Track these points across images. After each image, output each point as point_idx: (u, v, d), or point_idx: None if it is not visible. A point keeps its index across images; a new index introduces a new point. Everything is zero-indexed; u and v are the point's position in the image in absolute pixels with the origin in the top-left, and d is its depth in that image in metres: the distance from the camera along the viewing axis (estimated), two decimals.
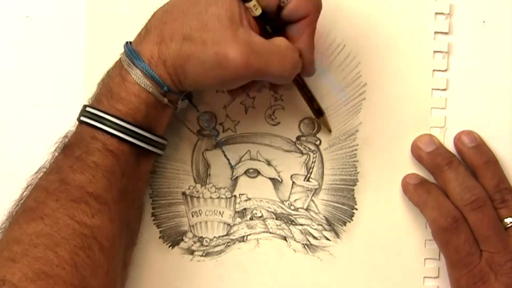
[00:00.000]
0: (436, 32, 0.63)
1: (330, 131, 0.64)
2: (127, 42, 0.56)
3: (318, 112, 0.62)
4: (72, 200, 0.53)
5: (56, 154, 0.56)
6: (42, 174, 0.55)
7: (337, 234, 0.64)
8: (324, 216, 0.64)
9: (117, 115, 0.54)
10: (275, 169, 0.64)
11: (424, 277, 0.63)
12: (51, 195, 0.53)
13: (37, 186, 0.54)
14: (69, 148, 0.55)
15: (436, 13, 0.63)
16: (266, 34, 0.55)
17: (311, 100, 0.61)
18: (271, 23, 0.56)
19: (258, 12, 0.54)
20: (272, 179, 0.64)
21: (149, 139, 0.56)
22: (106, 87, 0.55)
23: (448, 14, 0.63)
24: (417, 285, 0.63)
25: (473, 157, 0.61)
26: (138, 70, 0.54)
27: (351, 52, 0.63)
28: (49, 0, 0.64)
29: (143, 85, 0.54)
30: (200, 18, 0.53)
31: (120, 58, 0.56)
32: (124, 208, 0.56)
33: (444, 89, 0.63)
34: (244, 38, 0.52)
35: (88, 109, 0.55)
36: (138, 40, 0.55)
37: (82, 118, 0.55)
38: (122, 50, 0.55)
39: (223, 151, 0.63)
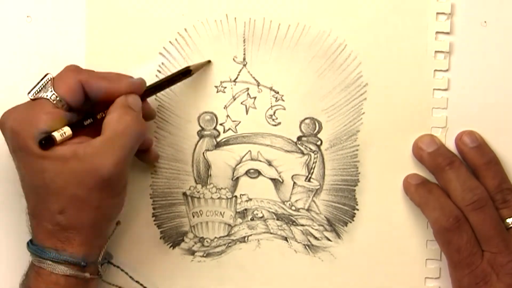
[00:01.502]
0: (437, 32, 0.62)
1: (209, 61, 0.63)
2: (28, 243, 0.57)
3: (186, 72, 0.62)
4: None
5: None
6: None
7: (338, 235, 0.64)
8: (325, 217, 0.64)
9: None
10: (276, 170, 0.64)
11: (426, 278, 0.63)
12: None
13: None
14: None
15: (438, 13, 0.62)
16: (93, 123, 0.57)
17: (172, 80, 0.61)
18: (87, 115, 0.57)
19: (69, 133, 0.55)
20: (273, 180, 0.64)
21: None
22: (26, 286, 0.56)
23: (450, 14, 0.62)
24: (419, 286, 0.63)
25: (475, 157, 0.61)
26: (48, 261, 0.55)
27: (352, 52, 0.63)
28: (49, 0, 0.64)
29: (60, 272, 0.55)
30: (49, 190, 0.54)
31: (31, 261, 0.57)
32: None
33: (446, 89, 0.63)
34: (89, 155, 0.54)
35: None
36: (35, 238, 0.57)
37: None
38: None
39: None
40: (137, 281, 0.63)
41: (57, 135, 0.54)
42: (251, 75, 0.64)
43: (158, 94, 0.62)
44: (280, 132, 0.64)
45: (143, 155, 0.61)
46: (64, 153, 0.54)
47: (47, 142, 0.54)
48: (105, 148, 0.54)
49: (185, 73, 0.62)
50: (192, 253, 0.64)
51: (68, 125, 0.55)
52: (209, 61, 0.63)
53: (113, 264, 0.62)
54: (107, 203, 0.56)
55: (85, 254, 0.56)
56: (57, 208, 0.55)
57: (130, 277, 0.62)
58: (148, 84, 0.60)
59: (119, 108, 0.56)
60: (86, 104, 0.57)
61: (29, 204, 0.57)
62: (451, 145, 0.62)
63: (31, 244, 0.57)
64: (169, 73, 0.62)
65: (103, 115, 0.56)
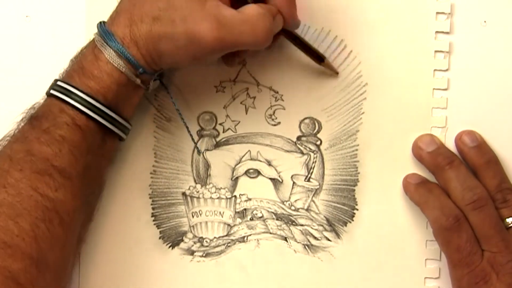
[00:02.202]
0: (437, 32, 0.62)
1: (337, 73, 0.63)
2: (100, 23, 0.56)
3: (319, 58, 0.62)
4: (36, 171, 0.53)
5: (22, 124, 0.56)
6: (6, 142, 0.55)
7: (337, 235, 0.64)
8: (324, 217, 0.64)
9: (87, 92, 0.54)
10: (276, 169, 0.64)
11: (425, 278, 0.63)
12: (15, 165, 0.53)
13: (1, 153, 0.54)
14: (36, 119, 0.55)
15: (437, 13, 0.62)
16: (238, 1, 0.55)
17: (308, 49, 0.61)
18: None
19: None
20: (272, 180, 0.64)
21: (116, 121, 0.56)
22: (79, 64, 0.56)
23: (449, 13, 0.62)
24: (418, 286, 0.63)
25: (474, 157, 0.61)
26: (111, 50, 0.54)
27: (352, 52, 0.63)
28: (49, 0, 0.64)
29: (116, 65, 0.54)
30: None
31: (94, 38, 0.56)
32: (87, 184, 0.56)
33: (445, 89, 0.63)
34: (213, 12, 0.53)
35: (59, 83, 0.55)
36: (110, 22, 0.56)
37: (52, 92, 0.55)
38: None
39: (183, 120, 0.63)
40: (177, 109, 0.62)
41: None
42: (250, 74, 0.64)
43: (158, 94, 0.62)
44: (280, 132, 0.64)
45: (228, 58, 0.60)
46: None
47: None
48: (228, 22, 0.53)
49: (318, 56, 0.62)
50: (192, 253, 0.64)
51: None
52: (337, 73, 0.63)
53: (162, 83, 0.61)
54: (186, 54, 0.54)
55: (145, 64, 0.55)
56: (156, 13, 0.53)
57: (173, 102, 0.62)
58: None
59: (268, 11, 0.55)
60: None
61: None
62: (451, 145, 0.62)
63: (103, 24, 0.56)
64: None
65: (252, 2, 0.56)
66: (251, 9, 0.55)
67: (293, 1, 0.57)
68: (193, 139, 0.63)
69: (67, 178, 0.54)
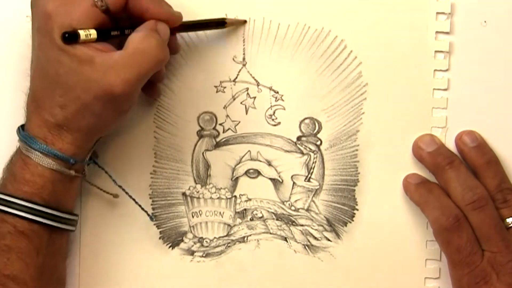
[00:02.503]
0: (437, 32, 0.62)
1: (245, 21, 0.63)
2: (19, 128, 0.57)
3: (221, 23, 0.62)
4: None
5: None
6: None
7: (337, 235, 0.64)
8: (324, 217, 0.64)
9: (23, 197, 0.55)
10: (276, 170, 0.64)
11: (425, 278, 0.63)
12: None
13: None
14: None
15: (437, 13, 0.62)
16: (122, 39, 0.56)
17: (206, 25, 0.61)
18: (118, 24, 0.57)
19: (94, 36, 0.54)
20: (272, 180, 0.64)
21: (59, 217, 0.56)
22: (10, 172, 0.56)
23: (450, 13, 0.62)
24: (418, 286, 0.63)
25: (475, 157, 0.61)
26: (37, 152, 0.55)
27: (352, 52, 0.63)
28: None
29: (46, 165, 0.55)
30: (59, 83, 0.54)
31: (19, 147, 0.56)
32: (44, 284, 0.56)
33: (445, 89, 0.63)
34: (104, 64, 0.53)
35: None
36: (27, 125, 0.56)
37: None
38: None
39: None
40: (119, 186, 0.62)
41: (82, 33, 0.53)
42: (250, 75, 0.64)
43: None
44: (280, 132, 0.64)
45: (149, 88, 0.60)
46: (82, 53, 0.53)
47: (70, 37, 0.53)
48: (123, 63, 0.53)
49: (219, 23, 0.62)
50: (192, 253, 0.64)
51: (96, 29, 0.54)
52: (244, 21, 0.63)
53: (98, 164, 0.61)
54: (108, 116, 0.55)
55: (74, 153, 0.56)
56: (60, 101, 0.54)
57: (113, 180, 0.62)
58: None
59: (147, 30, 0.55)
60: (119, 17, 0.57)
61: (33, 86, 0.56)
62: (451, 145, 0.62)
63: (22, 130, 0.57)
64: None
65: (130, 32, 0.55)
66: (133, 39, 0.55)
67: (160, 2, 0.57)
68: (142, 208, 0.63)
69: (22, 284, 0.55)
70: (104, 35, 0.55)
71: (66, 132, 0.55)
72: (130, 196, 0.63)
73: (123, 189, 0.62)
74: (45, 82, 0.55)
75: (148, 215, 0.63)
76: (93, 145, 0.58)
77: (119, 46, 0.55)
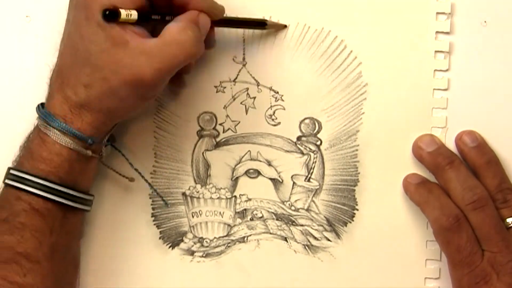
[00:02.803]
0: (437, 32, 0.62)
1: (285, 26, 0.63)
2: (39, 106, 0.56)
3: (261, 24, 0.61)
4: (2, 261, 0.54)
5: None
6: None
7: (338, 235, 0.64)
8: (324, 217, 0.64)
9: (39, 175, 0.54)
10: (276, 170, 0.64)
11: (425, 278, 0.63)
12: None
13: None
14: None
15: (438, 13, 0.62)
16: (156, 25, 0.55)
17: (247, 23, 0.61)
18: (157, 10, 0.56)
19: (134, 17, 0.53)
20: (272, 180, 0.64)
21: (74, 197, 0.56)
22: (27, 149, 0.56)
23: (450, 13, 0.62)
24: (418, 286, 0.63)
25: (475, 157, 0.61)
26: (56, 130, 0.54)
27: (352, 52, 0.63)
28: (49, 0, 0.64)
29: (64, 143, 0.55)
30: (88, 61, 0.53)
31: (37, 124, 0.56)
32: (57, 263, 0.56)
33: (446, 89, 0.63)
34: (138, 50, 0.53)
35: (11, 171, 0.55)
36: (48, 103, 0.56)
37: (7, 181, 0.56)
38: None
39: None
40: (135, 169, 0.62)
41: (123, 12, 0.52)
42: (250, 75, 0.64)
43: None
44: (280, 132, 0.64)
45: (174, 79, 0.59)
46: (117, 35, 0.52)
47: (111, 14, 0.52)
48: (157, 52, 0.53)
49: (260, 24, 0.61)
50: (192, 253, 0.64)
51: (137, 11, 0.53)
52: (285, 26, 0.63)
53: (115, 147, 0.61)
54: (131, 101, 0.55)
55: (92, 133, 0.55)
56: (86, 80, 0.54)
57: (130, 163, 0.62)
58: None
59: (187, 21, 0.54)
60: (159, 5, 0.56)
61: (60, 62, 0.56)
62: (451, 145, 0.62)
63: (41, 107, 0.56)
64: None
65: (171, 19, 0.55)
66: (171, 29, 0.54)
67: None
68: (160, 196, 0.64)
69: (35, 262, 0.54)
70: (143, 18, 0.54)
71: (87, 112, 0.54)
72: (146, 180, 0.62)
73: (139, 173, 0.62)
74: (74, 59, 0.54)
75: (163, 200, 0.63)
76: (110, 129, 0.58)
77: (153, 33, 0.55)
